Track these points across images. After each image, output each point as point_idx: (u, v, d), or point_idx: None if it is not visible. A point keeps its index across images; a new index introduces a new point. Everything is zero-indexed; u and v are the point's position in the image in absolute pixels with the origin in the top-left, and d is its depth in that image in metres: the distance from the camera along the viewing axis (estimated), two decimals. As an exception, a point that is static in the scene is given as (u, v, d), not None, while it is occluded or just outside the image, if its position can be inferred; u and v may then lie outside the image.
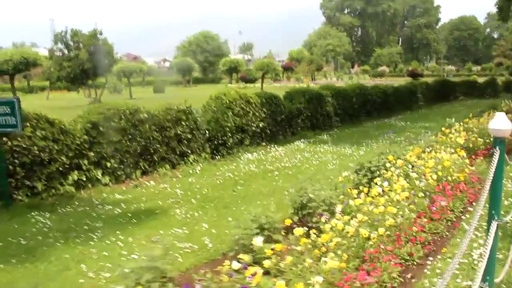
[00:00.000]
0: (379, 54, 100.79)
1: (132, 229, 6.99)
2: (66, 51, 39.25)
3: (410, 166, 8.24)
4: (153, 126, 10.76)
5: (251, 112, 13.18)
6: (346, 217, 5.66)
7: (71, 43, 39.49)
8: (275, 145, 13.67)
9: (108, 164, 9.90)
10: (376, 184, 7.35)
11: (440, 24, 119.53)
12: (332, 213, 6.11)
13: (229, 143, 12.32)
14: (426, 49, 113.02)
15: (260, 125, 13.47)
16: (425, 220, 6.32)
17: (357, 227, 5.42)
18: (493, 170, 3.67)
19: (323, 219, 5.82)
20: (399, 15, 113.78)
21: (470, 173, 8.76)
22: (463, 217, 6.86)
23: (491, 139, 10.97)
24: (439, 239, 6.20)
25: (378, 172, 7.90)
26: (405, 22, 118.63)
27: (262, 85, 39.97)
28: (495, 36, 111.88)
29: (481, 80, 35.80)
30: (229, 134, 12.34)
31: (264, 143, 13.69)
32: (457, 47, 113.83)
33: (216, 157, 12.09)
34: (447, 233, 6.29)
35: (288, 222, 5.38)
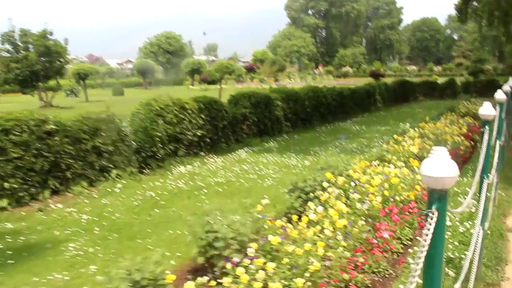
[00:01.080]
0: (342, 54, 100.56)
1: (1, 275, 5.48)
2: (14, 52, 37.00)
3: (353, 184, 7.01)
4: (65, 138, 9.21)
5: (187, 119, 11.73)
6: (259, 261, 4.34)
7: (20, 44, 37.26)
8: (215, 155, 12.27)
9: (6, 185, 8.33)
10: (309, 208, 6.10)
11: (402, 25, 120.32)
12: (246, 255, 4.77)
13: (159, 155, 10.85)
14: (389, 50, 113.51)
15: (198, 133, 12.03)
16: (362, 260, 5.04)
17: (265, 278, 4.10)
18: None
19: (228, 266, 4.48)
20: (363, 16, 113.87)
21: (423, 188, 7.53)
22: (410, 249, 5.59)
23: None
24: (381, 279, 4.94)
25: (313, 194, 6.59)
26: (369, 23, 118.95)
27: (220, 87, 38.45)
28: (455, 37, 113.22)
29: (441, 80, 35.23)
30: (160, 145, 10.87)
31: (203, 153, 12.28)
32: (420, 48, 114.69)
33: (145, 171, 10.62)
34: (391, 271, 5.04)
35: (170, 278, 3.96)
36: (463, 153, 10.49)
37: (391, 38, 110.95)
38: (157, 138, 10.81)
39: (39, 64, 35.70)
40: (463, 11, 30.90)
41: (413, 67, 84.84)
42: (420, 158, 9.41)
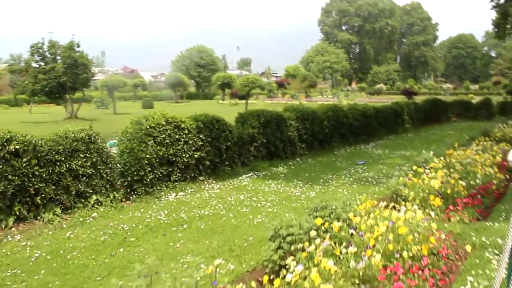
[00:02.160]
0: (376, 71, 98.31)
1: None
2: (42, 63, 36.89)
3: (351, 231, 5.63)
4: (34, 159, 8.08)
5: (182, 139, 10.49)
6: None
7: (48, 55, 37.14)
8: (215, 180, 11.00)
9: (-39, 211, 7.25)
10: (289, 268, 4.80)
11: (438, 41, 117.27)
12: None
13: (147, 179, 9.61)
14: (424, 67, 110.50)
15: (196, 155, 10.78)
16: None
17: None
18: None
19: None
20: (397, 32, 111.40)
21: (439, 239, 6.03)
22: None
23: (477, 181, 8.20)
24: None
25: (299, 244, 5.22)
26: (403, 39, 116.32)
27: (246, 102, 37.32)
28: (493, 54, 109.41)
29: (476, 99, 33.13)
30: (148, 168, 9.64)
31: (202, 177, 11.01)
32: (455, 65, 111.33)
33: (131, 197, 9.41)
34: None
35: None
36: (495, 188, 8.88)
37: (426, 55, 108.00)
38: (146, 161, 9.60)
39: (65, 75, 35.33)
40: (501, 26, 28.92)
41: (449, 85, 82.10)
42: (443, 195, 7.89)
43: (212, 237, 6.92)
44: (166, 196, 9.59)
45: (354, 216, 5.95)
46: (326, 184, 10.27)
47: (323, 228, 5.64)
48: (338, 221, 5.92)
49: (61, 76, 35.50)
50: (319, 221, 5.46)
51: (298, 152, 14.24)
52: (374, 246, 5.26)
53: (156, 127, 10.03)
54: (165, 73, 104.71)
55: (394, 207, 7.81)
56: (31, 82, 36.00)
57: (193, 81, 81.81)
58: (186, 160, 10.56)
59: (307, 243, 5.14)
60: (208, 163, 11.21)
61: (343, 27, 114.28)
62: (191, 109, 47.16)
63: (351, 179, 10.73)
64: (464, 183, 8.23)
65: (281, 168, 12.41)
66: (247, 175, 11.49)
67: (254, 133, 12.64)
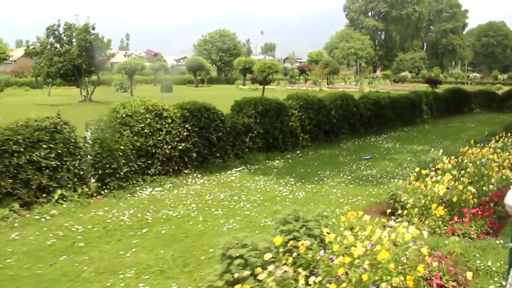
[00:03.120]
0: (401, 59, 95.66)
1: None
2: (58, 46, 36.36)
3: (321, 253, 4.58)
4: (-13, 149, 7.20)
5: (165, 129, 9.48)
6: None
7: (64, 37, 36.57)
8: (201, 174, 10.01)
9: None
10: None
11: (467, 29, 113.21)
12: None
13: (121, 173, 8.66)
14: (451, 55, 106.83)
15: (180, 146, 9.78)
16: None
17: None
18: None
19: None
20: (424, 19, 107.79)
21: (431, 265, 4.91)
22: None
23: (490, 186, 6.93)
24: None
25: (246, 271, 4.19)
26: (431, 27, 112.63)
27: (263, 88, 36.11)
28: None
29: (504, 89, 31.24)
30: (123, 161, 8.69)
31: (187, 171, 10.03)
32: (485, 54, 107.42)
33: (103, 191, 8.48)
34: None
35: None
36: None
37: (454, 43, 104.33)
38: (120, 153, 8.64)
39: (80, 58, 34.70)
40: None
41: (476, 74, 79.03)
42: (448, 203, 6.72)
43: (170, 245, 5.93)
44: (142, 191, 8.64)
45: (328, 232, 4.85)
46: (321, 182, 9.15)
47: (289, 246, 4.60)
48: (311, 235, 4.87)
49: (76, 59, 34.89)
50: (278, 240, 4.39)
51: (301, 143, 13.11)
52: (346, 273, 4.19)
53: (133, 116, 9.06)
54: (188, 56, 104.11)
55: (392, 214, 6.73)
56: (46, 65, 35.52)
57: (214, 65, 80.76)
58: (169, 152, 9.57)
59: (259, 269, 4.10)
60: (195, 155, 10.20)
61: (369, 13, 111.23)
62: (209, 93, 46.28)
63: (350, 177, 9.58)
64: (474, 190, 7.01)
65: (277, 161, 11.33)
66: (238, 169, 10.46)
67: (250, 122, 11.56)
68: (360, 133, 15.79)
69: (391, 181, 8.95)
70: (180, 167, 9.95)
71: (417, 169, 7.51)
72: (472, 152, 9.84)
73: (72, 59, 35.03)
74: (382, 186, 8.60)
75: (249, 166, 10.76)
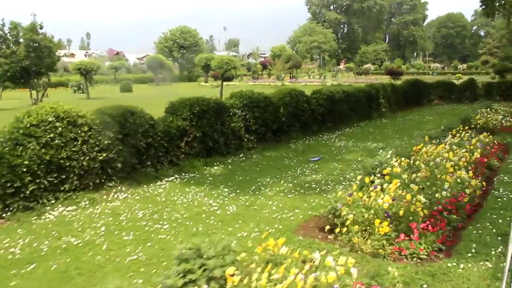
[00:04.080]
0: (364, 51, 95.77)
1: None
2: (3, 47, 34.24)
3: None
4: None
5: (80, 139, 8.27)
6: None
7: (10, 38, 34.48)
8: (129, 186, 8.86)
9: None
10: None
11: (427, 21, 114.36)
12: None
13: (27, 192, 7.43)
14: (413, 47, 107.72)
15: (100, 157, 8.57)
16: None
17: None
18: None
19: None
20: (386, 11, 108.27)
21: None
22: None
23: (443, 193, 5.90)
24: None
25: None
26: (392, 19, 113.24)
27: (221, 85, 34.84)
28: (482, 33, 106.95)
29: (464, 79, 30.92)
30: (28, 178, 7.45)
31: (111, 183, 8.85)
32: (444, 44, 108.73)
33: (5, 214, 7.25)
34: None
35: None
36: (468, 201, 6.73)
37: (415, 35, 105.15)
38: (23, 169, 7.40)
39: (27, 59, 32.73)
40: (489, 4, 26.57)
41: (437, 65, 79.79)
42: (394, 218, 5.76)
43: (54, 289, 4.78)
44: (51, 211, 7.43)
45: (233, 274, 3.80)
46: (258, 192, 8.12)
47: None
48: (208, 282, 3.82)
49: (24, 60, 32.93)
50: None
51: (245, 146, 12.06)
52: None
53: (40, 125, 7.80)
54: (151, 54, 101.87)
55: (332, 230, 5.74)
56: (-9, 67, 33.42)
57: (176, 63, 78.97)
58: (86, 164, 8.36)
59: None
60: (119, 165, 9.02)
61: (331, 7, 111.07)
62: (168, 91, 44.77)
63: (292, 184, 8.58)
64: (424, 199, 6.07)
65: (216, 167, 10.25)
66: (170, 179, 9.34)
67: (185, 126, 10.42)
68: (313, 131, 14.86)
69: (336, 188, 7.99)
70: (103, 180, 8.76)
71: (359, 177, 6.53)
72: (426, 151, 9.01)
73: (20, 60, 33.04)
74: (325, 194, 7.63)
75: (183, 174, 9.65)
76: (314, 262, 4.04)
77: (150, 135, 9.66)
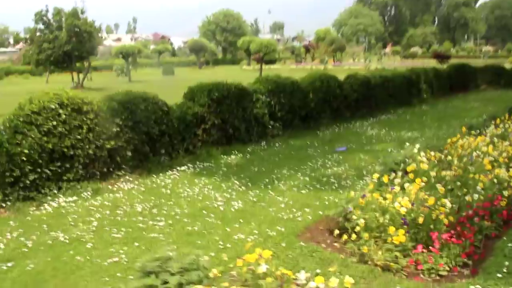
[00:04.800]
0: (412, 34, 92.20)
1: None
2: (47, 32, 34.75)
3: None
4: None
5: (85, 126, 7.81)
6: None
7: (53, 23, 34.97)
8: (139, 175, 8.42)
9: None
10: None
11: (479, 2, 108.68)
12: None
13: (28, 181, 7.06)
14: (464, 29, 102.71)
15: (108, 145, 8.11)
16: None
17: None
18: None
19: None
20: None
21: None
22: None
23: (475, 195, 5.14)
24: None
25: None
26: (442, 1, 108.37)
27: (261, 69, 34.19)
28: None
29: (511, 64, 28.88)
30: (29, 167, 7.07)
31: (121, 172, 8.40)
32: (498, 26, 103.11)
33: (4, 204, 6.92)
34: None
35: None
36: (506, 205, 5.77)
37: (466, 16, 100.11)
38: (23, 157, 7.02)
39: (69, 44, 33.08)
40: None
41: (489, 48, 75.60)
42: (412, 225, 4.95)
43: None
44: (52, 201, 7.03)
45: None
46: (271, 185, 7.44)
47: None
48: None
49: (65, 45, 33.31)
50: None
51: (270, 133, 11.37)
52: None
53: (41, 112, 7.38)
54: (196, 38, 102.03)
55: (341, 235, 5.05)
56: (35, 52, 34.05)
57: (219, 46, 78.62)
58: (93, 153, 7.92)
59: None
60: (129, 153, 8.53)
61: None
62: (208, 75, 44.44)
63: (309, 177, 7.84)
64: (450, 203, 5.21)
65: (234, 156, 9.63)
66: (182, 168, 8.79)
67: (202, 112, 9.83)
68: (345, 118, 13.98)
69: (355, 184, 7.20)
70: (111, 169, 8.31)
71: (376, 175, 5.70)
72: (462, 144, 8.01)
73: (62, 45, 33.45)
74: (342, 191, 6.86)
75: (198, 163, 9.08)
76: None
77: (164, 122, 9.13)
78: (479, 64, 27.09)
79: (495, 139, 8.22)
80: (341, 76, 14.93)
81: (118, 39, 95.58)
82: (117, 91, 8.91)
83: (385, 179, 5.61)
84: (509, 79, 24.05)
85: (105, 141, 8.12)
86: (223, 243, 5.16)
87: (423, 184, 5.57)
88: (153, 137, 8.97)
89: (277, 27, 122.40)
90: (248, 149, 10.14)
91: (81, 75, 35.38)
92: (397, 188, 5.32)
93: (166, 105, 9.26)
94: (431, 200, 5.11)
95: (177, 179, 8.12)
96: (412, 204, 5.03)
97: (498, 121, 10.14)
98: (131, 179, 8.19)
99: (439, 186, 5.57)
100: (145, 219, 6.15)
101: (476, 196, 5.59)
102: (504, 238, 5.16)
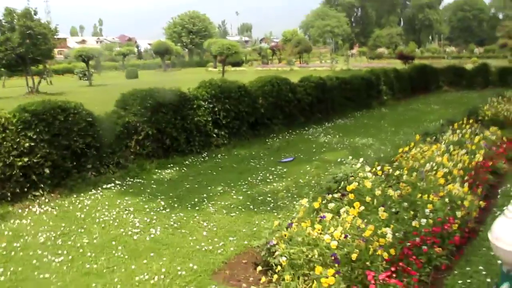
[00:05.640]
0: (378, 35, 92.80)
1: None
2: (-1, 34, 32.98)
3: None
4: None
5: (-10, 141, 6.80)
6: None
7: (5, 24, 33.21)
8: (59, 195, 7.42)
9: None
10: None
11: (443, 4, 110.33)
12: None
13: None
14: (428, 30, 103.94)
15: (20, 162, 7.10)
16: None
17: None
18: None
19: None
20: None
21: None
22: None
23: (423, 220, 4.42)
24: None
25: None
26: (407, 2, 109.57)
27: (223, 71, 33.25)
28: (501, 16, 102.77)
29: (472, 65, 28.74)
30: None
31: (38, 192, 7.41)
32: (461, 28, 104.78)
33: None
34: None
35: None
36: (456, 231, 5.01)
37: (431, 18, 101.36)
38: None
39: (22, 46, 31.41)
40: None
41: (452, 48, 76.56)
42: (344, 262, 4.14)
43: None
44: None
45: None
46: (199, 207, 6.58)
47: None
48: None
49: (18, 47, 31.63)
50: None
51: (214, 142, 10.50)
52: None
53: None
54: (163, 40, 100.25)
55: (267, 272, 4.21)
56: (-16, 55, 32.22)
57: (186, 48, 77.31)
58: (1, 171, 6.89)
59: None
60: (47, 171, 7.52)
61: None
62: (171, 78, 43.25)
63: (243, 196, 6.99)
64: (390, 233, 4.42)
65: (169, 170, 8.73)
66: (109, 185, 7.84)
67: (134, 122, 8.89)
68: (299, 123, 13.23)
69: (295, 203, 6.39)
70: (25, 189, 7.30)
71: (304, 201, 4.87)
72: (413, 154, 7.32)
73: (15, 48, 31.76)
74: (278, 213, 6.04)
75: (127, 180, 8.15)
76: None
77: (89, 134, 8.15)
78: (444, 65, 26.80)
79: (451, 147, 7.56)
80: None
81: (83, 41, 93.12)
82: (26, 104, 7.85)
83: (315, 204, 4.80)
84: (470, 80, 23.79)
85: (16, 158, 7.11)
86: (120, 287, 4.27)
87: (362, 208, 4.78)
88: (77, 151, 7.99)
89: (245, 29, 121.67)
90: (186, 161, 9.25)
91: (44, 78, 33.72)
92: (328, 216, 4.51)
93: (91, 115, 8.30)
94: (368, 230, 4.31)
95: (99, 199, 7.18)
96: (345, 236, 4.22)
97: (456, 125, 9.52)
98: (47, 200, 7.21)
99: (381, 210, 4.78)
100: (44, 253, 5.20)
101: (424, 221, 4.84)
102: (455, 271, 4.43)
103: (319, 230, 4.31)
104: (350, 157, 6.35)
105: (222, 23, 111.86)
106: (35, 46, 32.17)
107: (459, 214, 5.21)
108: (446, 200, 5.41)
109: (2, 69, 34.55)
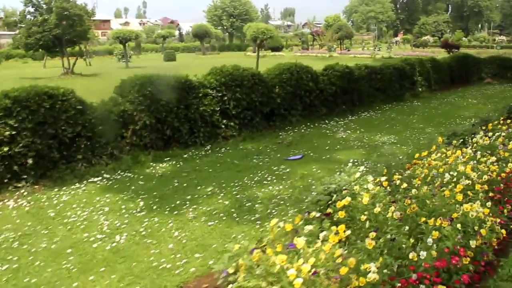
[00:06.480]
0: (424, 22, 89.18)
1: None
2: (36, 15, 33.27)
3: None
4: None
5: (-37, 129, 6.32)
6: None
7: (44, 6, 33.47)
8: (43, 188, 6.93)
9: None
10: None
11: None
12: None
13: None
14: (478, 18, 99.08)
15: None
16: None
17: None
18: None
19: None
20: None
21: None
22: None
23: (422, 253, 3.61)
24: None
25: None
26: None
27: (257, 56, 32.25)
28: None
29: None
30: None
31: (21, 183, 6.94)
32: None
33: None
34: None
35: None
36: (465, 266, 3.98)
37: (481, 5, 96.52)
38: None
39: (58, 28, 31.54)
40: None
41: (503, 37, 72.56)
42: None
43: None
44: None
45: None
46: (178, 210, 5.88)
47: None
48: None
49: (55, 29, 31.78)
50: None
51: (222, 134, 9.77)
52: None
53: None
54: (205, 23, 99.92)
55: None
56: (24, 36, 32.56)
57: (226, 32, 76.64)
58: (-24, 161, 6.42)
59: None
60: (30, 161, 7.01)
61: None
62: (210, 61, 42.74)
63: (230, 200, 6.23)
64: (375, 268, 3.52)
65: (164, 164, 8.08)
66: (95, 179, 7.25)
67: (131, 110, 8.27)
68: (320, 115, 12.31)
69: (287, 212, 5.59)
70: (6, 180, 6.82)
71: (273, 222, 4.03)
72: (430, 161, 6.19)
73: (51, 29, 31.93)
74: (262, 224, 5.26)
75: (118, 172, 7.57)
76: None
77: (79, 123, 7.58)
78: (492, 55, 24.96)
79: (479, 154, 6.32)
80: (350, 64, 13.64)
81: (126, 23, 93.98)
82: (26, 86, 7.33)
83: (287, 226, 3.96)
84: (515, 71, 22.00)
85: (-5, 147, 6.61)
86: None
87: (348, 232, 3.93)
88: (65, 141, 7.45)
89: (288, 13, 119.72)
90: (186, 155, 8.55)
91: (69, 61, 33.87)
92: (300, 243, 3.66)
93: (82, 102, 7.71)
94: (344, 268, 3.42)
95: (79, 195, 6.61)
96: (314, 273, 3.39)
97: (489, 126, 8.24)
98: (26, 193, 6.69)
99: (371, 236, 3.88)
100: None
101: (423, 254, 3.87)
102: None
103: (283, 261, 3.49)
104: (350, 164, 5.46)
105: (264, 7, 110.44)
106: (71, 28, 32.23)
107: (473, 243, 4.19)
108: (458, 226, 4.36)
109: (41, 50, 34.80)
